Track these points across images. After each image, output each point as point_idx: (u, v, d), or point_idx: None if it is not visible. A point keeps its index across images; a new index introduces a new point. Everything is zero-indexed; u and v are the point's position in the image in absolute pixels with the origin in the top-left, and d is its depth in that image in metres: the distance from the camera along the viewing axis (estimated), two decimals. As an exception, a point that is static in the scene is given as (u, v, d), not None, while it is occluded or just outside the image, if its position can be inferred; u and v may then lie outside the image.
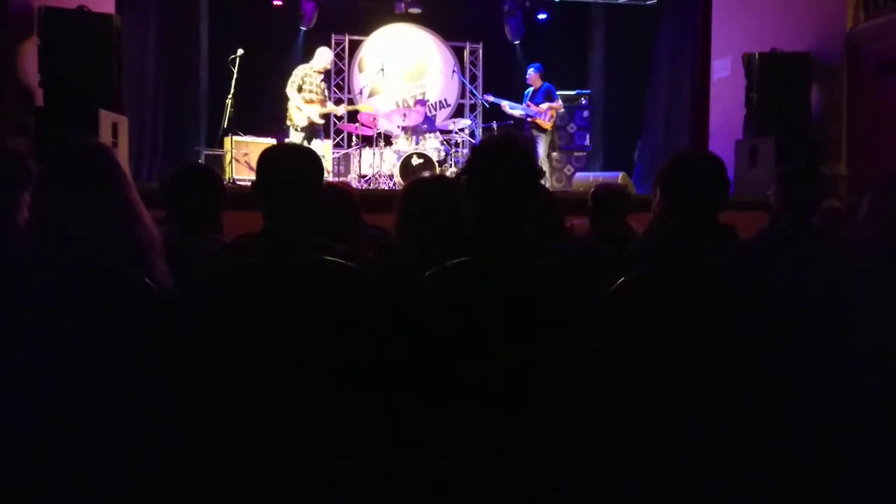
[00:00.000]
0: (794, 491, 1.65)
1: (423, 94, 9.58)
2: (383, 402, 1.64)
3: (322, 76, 6.80)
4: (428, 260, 1.65)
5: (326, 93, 6.87)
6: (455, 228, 1.90)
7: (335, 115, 8.75)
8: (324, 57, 6.86)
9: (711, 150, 3.96)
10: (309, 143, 6.64)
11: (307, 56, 7.48)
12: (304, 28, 9.29)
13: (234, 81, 6.52)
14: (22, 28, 5.54)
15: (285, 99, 6.72)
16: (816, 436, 1.68)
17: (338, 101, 8.79)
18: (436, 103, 9.63)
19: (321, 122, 6.75)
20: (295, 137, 6.62)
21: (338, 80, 9.54)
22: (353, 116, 9.14)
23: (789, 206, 2.47)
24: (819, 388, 1.70)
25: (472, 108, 10.06)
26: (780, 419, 1.64)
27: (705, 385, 1.64)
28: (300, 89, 6.65)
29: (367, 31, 9.90)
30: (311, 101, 6.68)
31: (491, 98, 7.99)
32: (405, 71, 9.94)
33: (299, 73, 6.70)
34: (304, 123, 6.66)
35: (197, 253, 2.03)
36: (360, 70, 9.88)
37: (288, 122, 6.74)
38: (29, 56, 5.55)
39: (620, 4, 9.71)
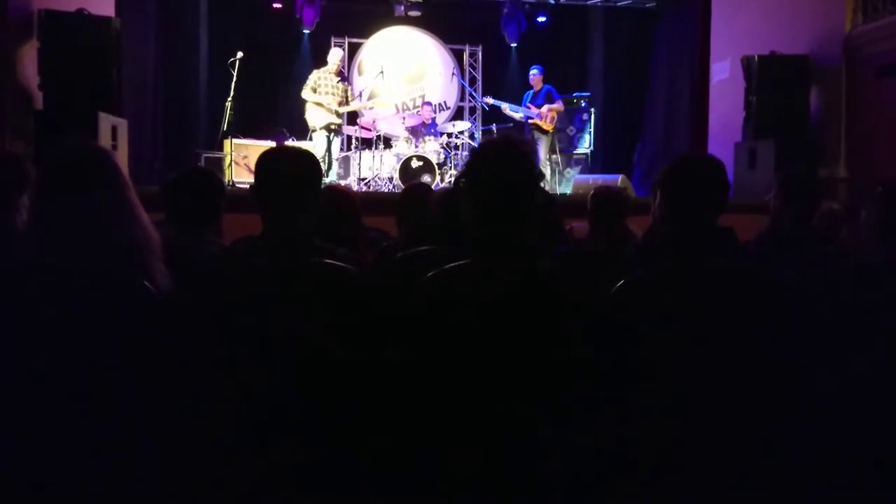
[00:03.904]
0: (795, 491, 1.65)
1: (423, 96, 9.59)
2: (383, 404, 1.64)
3: (339, 77, 6.99)
4: (427, 262, 1.65)
5: (349, 93, 7.10)
6: (455, 231, 1.90)
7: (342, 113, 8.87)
8: (333, 56, 7.10)
9: (710, 153, 3.97)
10: (329, 142, 6.80)
11: (307, 58, 7.53)
12: (304, 31, 9.30)
13: (233, 84, 6.53)
14: (22, 31, 5.55)
15: (303, 103, 6.98)
16: (818, 436, 1.68)
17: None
18: (435, 106, 9.63)
19: (338, 120, 6.91)
20: (318, 138, 6.83)
21: (338, 82, 9.55)
22: (353, 119, 9.16)
23: (789, 209, 2.47)
24: (820, 390, 1.70)
25: (472, 110, 10.07)
26: (781, 420, 1.64)
27: (706, 387, 1.64)
28: (314, 91, 6.88)
29: (366, 33, 9.92)
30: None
31: (490, 100, 8.00)
32: (405, 74, 9.96)
33: (313, 76, 6.95)
34: (322, 123, 6.84)
35: (196, 255, 2.03)
36: (360, 73, 9.89)
37: (308, 125, 7.03)
38: (29, 59, 5.55)
39: (619, 7, 9.73)
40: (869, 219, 1.95)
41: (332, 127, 6.87)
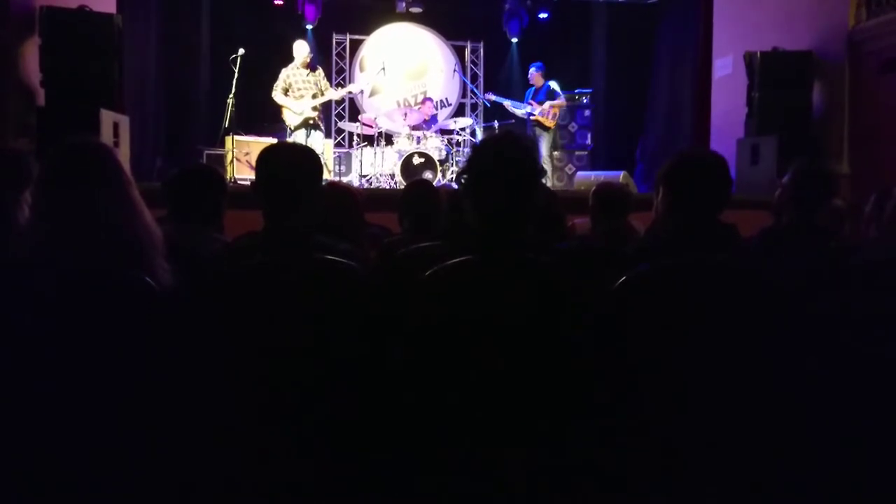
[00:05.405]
0: (795, 488, 1.65)
1: (425, 92, 9.59)
2: (385, 400, 1.64)
3: (308, 69, 6.72)
4: (429, 259, 1.64)
5: (321, 83, 6.76)
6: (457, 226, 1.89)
7: (335, 102, 8.82)
8: (299, 50, 6.74)
9: (713, 149, 3.97)
10: (308, 138, 6.65)
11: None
12: (306, 27, 9.30)
13: (235, 81, 6.52)
14: (23, 28, 5.55)
15: (276, 103, 6.71)
16: (819, 434, 1.68)
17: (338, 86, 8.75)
18: (437, 102, 9.63)
19: (314, 113, 6.69)
20: (298, 136, 6.63)
21: (339, 80, 9.54)
22: (354, 116, 9.15)
23: (796, 204, 2.45)
24: (822, 387, 1.69)
25: (474, 107, 10.06)
26: (783, 418, 1.64)
27: (707, 383, 1.63)
28: (286, 91, 6.62)
29: (368, 30, 9.91)
30: (301, 97, 6.65)
31: (492, 97, 7.99)
32: (406, 70, 9.95)
33: (282, 75, 6.66)
34: (298, 122, 6.64)
35: (198, 252, 2.03)
36: (362, 69, 9.88)
37: (285, 124, 6.77)
38: (30, 55, 5.55)
39: (622, 3, 9.71)
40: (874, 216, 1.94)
41: (310, 122, 6.73)
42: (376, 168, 7.71)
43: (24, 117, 5.45)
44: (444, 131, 8.11)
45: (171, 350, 1.57)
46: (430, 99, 8.50)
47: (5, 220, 1.92)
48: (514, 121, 7.87)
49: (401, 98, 9.81)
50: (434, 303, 1.60)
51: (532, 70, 7.75)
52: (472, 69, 10.06)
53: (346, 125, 8.93)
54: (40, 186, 1.67)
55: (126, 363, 1.55)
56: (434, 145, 7.53)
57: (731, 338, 1.64)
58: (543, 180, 1.75)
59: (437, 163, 7.27)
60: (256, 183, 1.84)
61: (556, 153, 8.60)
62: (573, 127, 9.27)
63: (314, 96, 6.65)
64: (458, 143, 7.99)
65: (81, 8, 5.62)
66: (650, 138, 9.53)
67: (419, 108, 8.29)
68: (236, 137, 6.85)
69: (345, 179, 7.81)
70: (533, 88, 7.70)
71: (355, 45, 9.86)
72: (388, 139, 8.08)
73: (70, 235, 1.58)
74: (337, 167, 8.60)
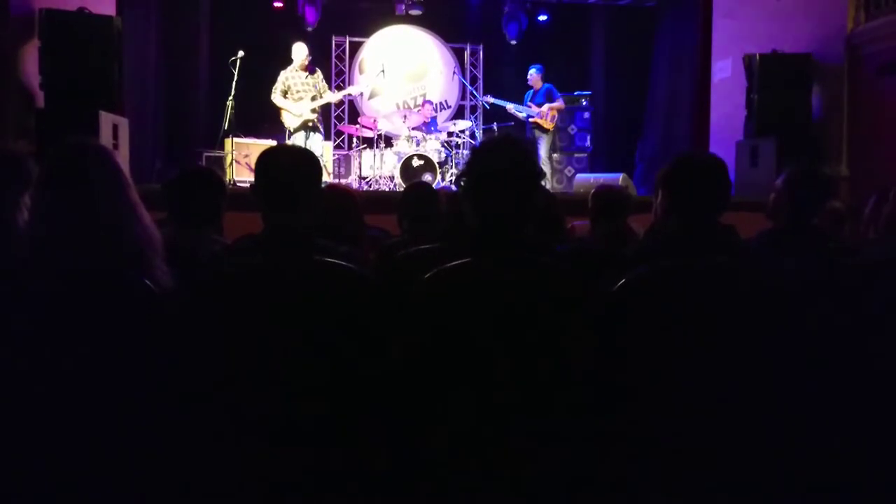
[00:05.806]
0: (796, 491, 1.65)
1: (424, 95, 9.60)
2: (384, 403, 1.64)
3: (307, 72, 6.71)
4: (429, 261, 1.64)
5: (320, 85, 6.76)
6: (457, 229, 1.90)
7: (335, 104, 8.83)
8: (298, 52, 6.72)
9: (712, 151, 3.96)
10: (307, 140, 6.65)
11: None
12: (306, 30, 9.30)
13: (234, 83, 6.52)
14: (23, 30, 5.55)
15: (275, 105, 6.70)
16: (820, 435, 1.68)
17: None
18: (437, 105, 9.63)
19: (313, 115, 6.68)
20: (297, 139, 6.64)
21: (338, 82, 9.55)
22: (354, 117, 9.16)
23: (792, 207, 2.46)
24: (821, 388, 1.70)
25: (473, 109, 10.07)
26: (783, 418, 1.64)
27: (707, 384, 1.63)
28: (285, 94, 6.62)
29: (367, 32, 9.92)
30: (300, 100, 6.64)
31: (491, 99, 8.00)
32: (406, 72, 9.96)
33: (281, 77, 6.65)
34: (297, 124, 6.63)
35: (197, 254, 2.03)
36: (361, 71, 9.88)
37: (284, 127, 6.77)
38: (30, 58, 5.56)
39: (621, 6, 9.72)
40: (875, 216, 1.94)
41: (309, 125, 6.72)
42: (376, 170, 7.71)
43: (24, 119, 5.45)
44: (443, 133, 8.11)
45: (170, 352, 1.57)
46: (429, 101, 8.51)
47: (5, 221, 1.92)
48: (513, 123, 7.87)
49: (400, 100, 9.81)
50: (434, 305, 1.60)
51: (531, 72, 7.76)
52: (471, 71, 10.07)
53: (346, 127, 8.93)
54: (39, 188, 1.67)
55: (125, 365, 1.55)
56: (433, 147, 7.54)
57: (731, 339, 1.64)
58: (542, 182, 1.76)
59: (437, 165, 7.28)
60: (256, 185, 1.84)
61: (555, 155, 8.60)
62: (572, 129, 9.27)
63: (313, 98, 6.65)
64: (457, 146, 7.99)
65: (81, 10, 5.63)
66: (649, 140, 9.53)
67: (419, 111, 8.29)
68: (236, 139, 6.85)
69: (344, 181, 7.81)
70: (532, 91, 7.70)
71: (355, 48, 9.87)
72: (388, 141, 8.08)
73: (69, 237, 1.57)
74: (336, 169, 8.60)
